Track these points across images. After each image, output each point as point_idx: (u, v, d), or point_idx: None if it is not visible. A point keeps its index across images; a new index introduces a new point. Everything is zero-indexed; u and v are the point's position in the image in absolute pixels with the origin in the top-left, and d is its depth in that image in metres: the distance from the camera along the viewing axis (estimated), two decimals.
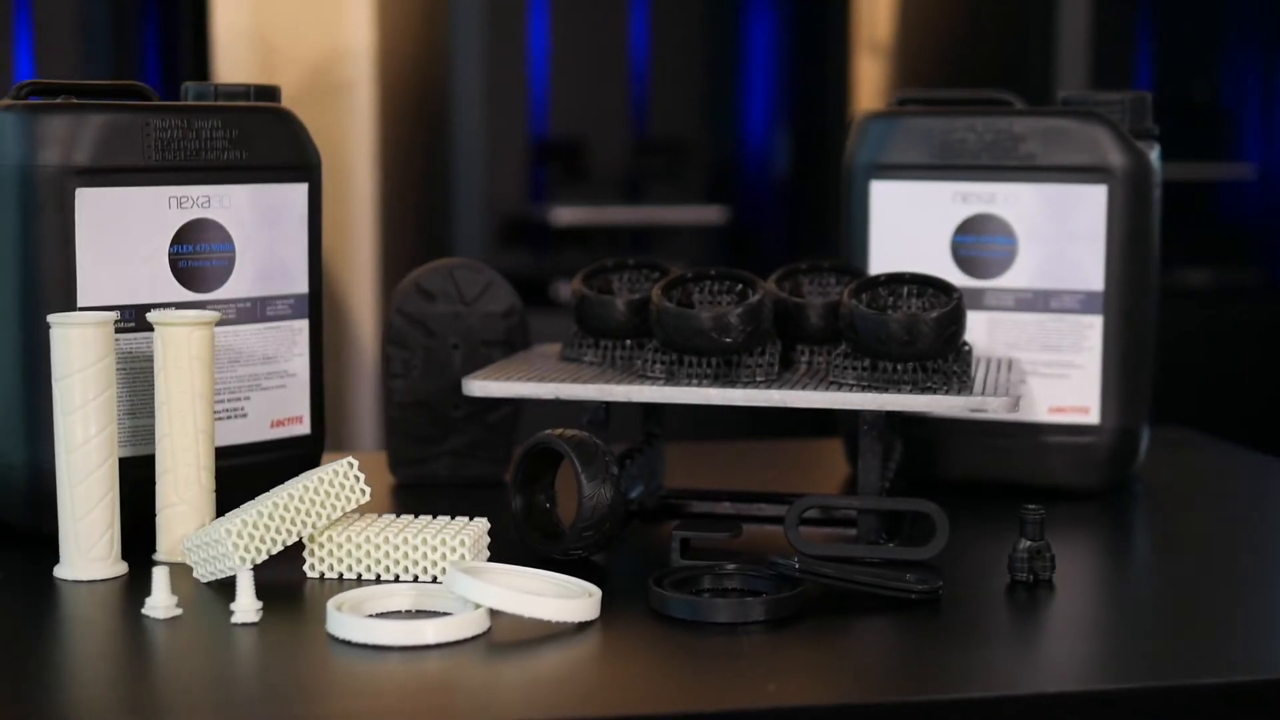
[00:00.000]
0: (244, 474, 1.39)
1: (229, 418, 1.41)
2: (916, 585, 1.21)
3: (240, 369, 1.41)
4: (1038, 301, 1.53)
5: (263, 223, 1.41)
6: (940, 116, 1.54)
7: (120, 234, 1.34)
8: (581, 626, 1.16)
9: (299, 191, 1.44)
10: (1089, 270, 1.52)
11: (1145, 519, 1.53)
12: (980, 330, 1.54)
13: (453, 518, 1.30)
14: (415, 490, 1.56)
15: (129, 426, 1.35)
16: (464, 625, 1.14)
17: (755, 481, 1.56)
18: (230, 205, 1.39)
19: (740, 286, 1.42)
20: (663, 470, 1.56)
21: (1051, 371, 1.53)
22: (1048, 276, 1.53)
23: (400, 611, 1.18)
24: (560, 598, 1.18)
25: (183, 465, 1.30)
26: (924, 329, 1.34)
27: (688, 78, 3.37)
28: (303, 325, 1.45)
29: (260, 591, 1.21)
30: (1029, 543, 1.27)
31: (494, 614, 1.16)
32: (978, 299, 1.54)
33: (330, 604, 1.14)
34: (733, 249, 3.35)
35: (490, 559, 1.31)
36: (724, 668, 1.11)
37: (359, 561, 1.26)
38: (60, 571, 1.26)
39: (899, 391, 1.34)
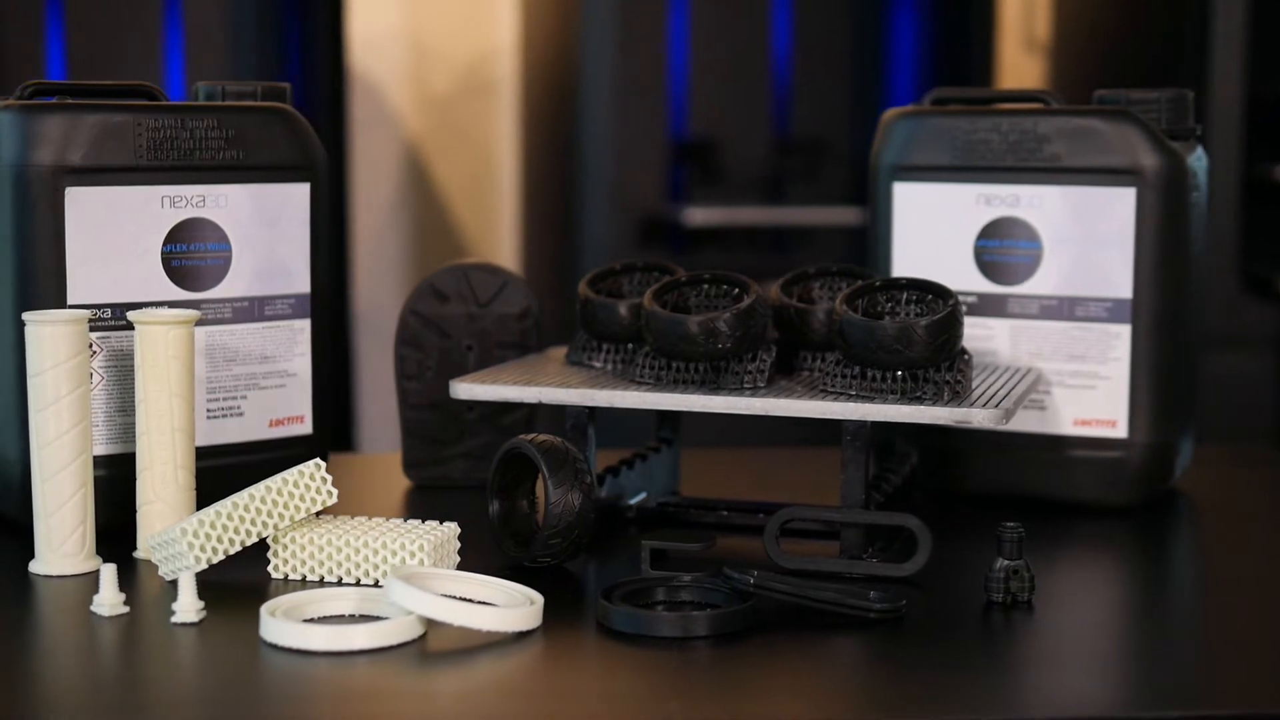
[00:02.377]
0: (241, 472, 1.39)
1: (224, 416, 1.41)
2: (875, 604, 1.17)
3: (236, 368, 1.42)
4: (1063, 309, 1.46)
5: (261, 222, 1.42)
6: (964, 116, 1.49)
7: (111, 233, 1.35)
8: (521, 635, 1.14)
9: (300, 191, 1.44)
10: (1116, 277, 1.45)
11: (1173, 538, 1.46)
12: (1004, 338, 1.48)
13: (423, 521, 1.29)
14: (429, 492, 1.55)
15: (120, 423, 1.37)
16: (396, 631, 1.12)
17: (774, 490, 1.52)
18: (226, 204, 1.40)
19: (737, 291, 1.38)
20: (678, 477, 1.53)
21: (1077, 382, 1.47)
22: (1073, 283, 1.46)
23: (344, 615, 1.18)
24: (502, 605, 1.17)
25: (159, 463, 1.31)
26: (915, 336, 1.29)
27: (831, 76, 3.32)
28: (304, 325, 1.45)
29: (221, 591, 1.22)
30: (1005, 562, 1.21)
31: (431, 620, 1.14)
32: (1001, 306, 1.48)
33: (263, 609, 1.13)
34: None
35: (461, 564, 1.29)
36: (645, 683, 1.08)
37: (321, 564, 1.26)
38: (34, 566, 1.28)
39: (884, 401, 1.29)
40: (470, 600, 1.19)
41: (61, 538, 1.27)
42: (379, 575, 1.24)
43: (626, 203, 3.11)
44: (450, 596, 1.17)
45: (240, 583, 1.25)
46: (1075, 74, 3.45)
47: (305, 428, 1.46)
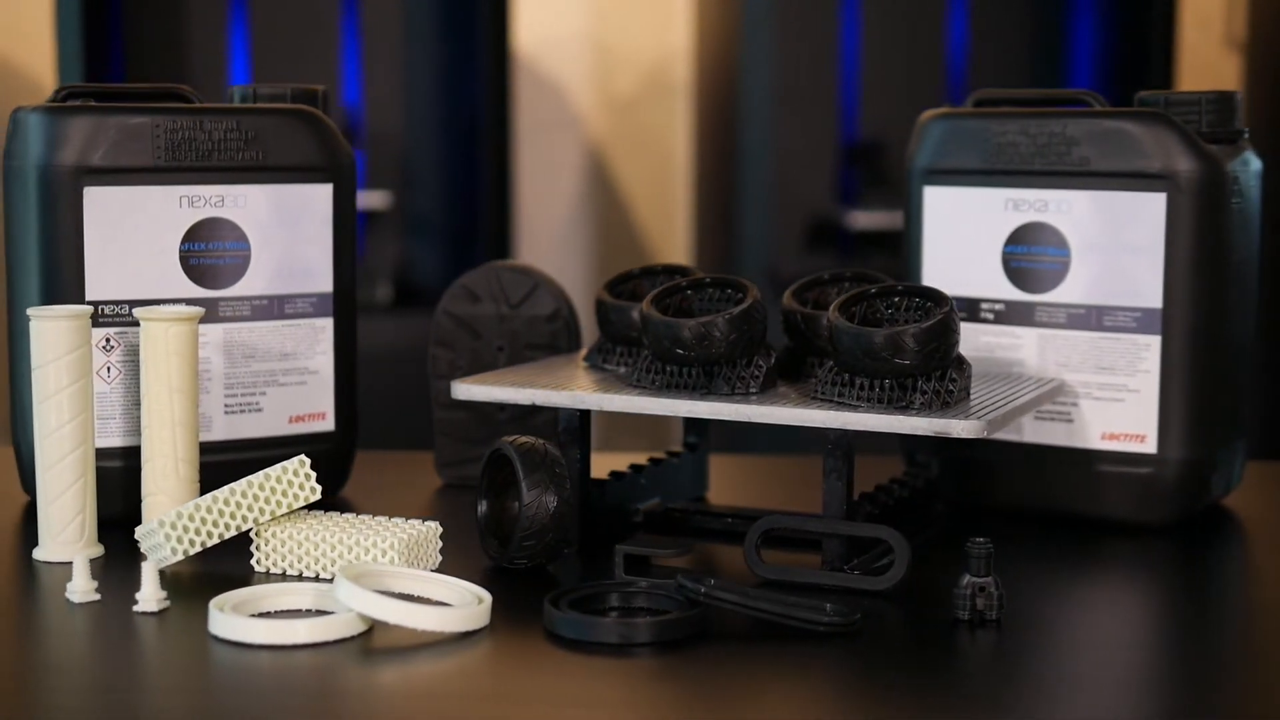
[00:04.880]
0: (259, 467, 1.41)
1: (243, 412, 1.45)
2: (823, 618, 1.14)
3: (255, 364, 1.45)
4: (1091, 318, 1.41)
5: (281, 222, 1.44)
6: (994, 118, 1.44)
7: (129, 231, 1.39)
8: (467, 635, 1.14)
9: (323, 192, 1.46)
10: (1146, 286, 1.39)
11: (1202, 560, 1.39)
12: (1031, 348, 1.43)
13: (407, 519, 1.30)
14: (459, 491, 1.56)
15: (136, 416, 1.41)
16: (338, 627, 1.13)
17: (803, 499, 1.49)
18: (245, 204, 1.43)
19: (740, 295, 1.36)
20: (705, 483, 1.52)
21: (1105, 394, 1.41)
22: (1102, 291, 1.41)
23: (300, 610, 1.19)
24: (450, 604, 1.17)
25: (159, 456, 1.34)
26: (904, 344, 1.25)
27: (1007, 77, 3.25)
28: (326, 323, 1.47)
29: (202, 583, 1.25)
30: (972, 579, 1.18)
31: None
32: (1028, 314, 1.43)
33: (212, 604, 1.15)
34: None
35: (447, 563, 1.30)
36: (585, 688, 1.07)
37: (300, 559, 1.28)
38: (36, 553, 1.32)
39: (871, 410, 1.26)
40: (426, 599, 1.19)
41: (61, 525, 1.31)
42: None
43: (792, 205, 3.09)
44: (401, 595, 1.19)
45: (224, 575, 1.27)
46: (1273, 72, 3.32)
47: (327, 424, 1.49)
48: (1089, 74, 3.24)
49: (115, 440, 1.40)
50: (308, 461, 1.29)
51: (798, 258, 3.08)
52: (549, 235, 3.71)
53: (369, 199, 3.22)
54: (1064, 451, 1.43)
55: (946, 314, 1.27)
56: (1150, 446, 1.40)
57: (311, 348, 1.47)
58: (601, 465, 1.45)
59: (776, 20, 3.03)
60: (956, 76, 3.22)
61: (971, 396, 1.31)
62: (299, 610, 1.19)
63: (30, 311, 1.31)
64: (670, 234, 3.73)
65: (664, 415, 1.32)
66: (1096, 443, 1.41)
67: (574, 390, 1.34)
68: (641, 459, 1.47)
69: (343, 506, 1.49)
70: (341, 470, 1.51)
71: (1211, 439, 1.41)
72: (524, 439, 1.29)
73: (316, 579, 1.27)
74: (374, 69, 3.25)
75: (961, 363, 1.29)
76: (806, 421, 1.26)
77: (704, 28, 3.49)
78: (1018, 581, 1.29)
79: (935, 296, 1.30)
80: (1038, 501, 1.44)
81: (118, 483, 1.39)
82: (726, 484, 1.56)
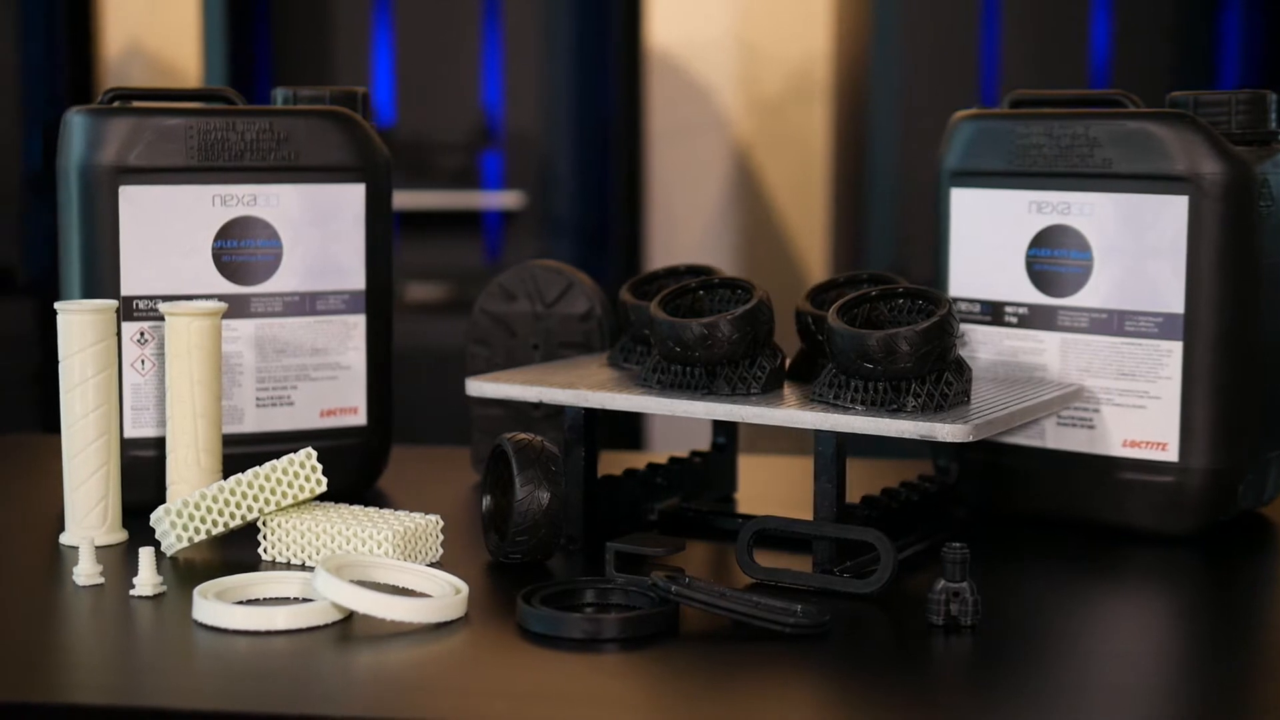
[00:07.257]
0: None
1: (274, 405, 1.48)
2: (789, 619, 1.14)
3: (286, 359, 1.48)
4: (1112, 323, 1.38)
5: (313, 220, 1.48)
6: (1019, 120, 1.42)
7: (163, 229, 1.44)
8: (442, 626, 1.16)
9: (355, 191, 1.49)
10: (1168, 290, 1.36)
11: (1216, 570, 1.35)
12: (1054, 352, 1.41)
13: (409, 512, 1.33)
14: None
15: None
16: (316, 614, 1.16)
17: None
18: (277, 203, 1.47)
19: (749, 296, 1.36)
20: (734, 483, 1.52)
21: (1126, 401, 1.38)
22: (1124, 296, 1.38)
23: (288, 598, 1.22)
24: (429, 595, 1.19)
25: (181, 447, 1.39)
26: (898, 346, 1.25)
27: (1152, 80, 3.18)
28: (358, 320, 1.50)
29: (213, 570, 1.29)
30: (946, 584, 1.16)
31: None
32: (1051, 318, 1.41)
33: (196, 590, 1.19)
34: None
35: (445, 556, 1.33)
36: (552, 683, 1.09)
37: (303, 549, 1.31)
38: (63, 538, 1.37)
39: (864, 412, 1.25)
40: (408, 590, 1.22)
41: (85, 510, 1.36)
42: None
43: (922, 207, 3.07)
44: (384, 586, 1.21)
45: (235, 563, 1.31)
46: None
47: (359, 419, 1.52)
48: (1235, 74, 3.16)
49: (149, 430, 1.45)
50: (314, 454, 1.32)
51: (928, 260, 3.05)
52: (692, 235, 3.72)
53: (505, 199, 3.27)
54: (1085, 458, 1.40)
55: (943, 317, 1.26)
56: (1172, 455, 1.37)
57: (343, 343, 1.50)
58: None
59: (909, 21, 3.01)
60: (1098, 78, 3.16)
61: (974, 400, 1.30)
62: (286, 598, 1.22)
63: (57, 305, 1.36)
64: (811, 234, 3.72)
65: (663, 415, 1.33)
66: (1118, 450, 1.39)
67: (579, 389, 1.35)
68: (662, 459, 1.48)
69: (375, 499, 1.52)
70: (374, 463, 1.54)
71: (1239, 448, 1.38)
72: (522, 436, 1.31)
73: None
74: (513, 71, 3.29)
75: (961, 366, 1.28)
76: (796, 423, 1.26)
77: (841, 29, 3.47)
78: (1019, 588, 1.28)
79: (935, 299, 1.29)
80: (1059, 508, 1.42)
81: (150, 471, 1.44)
82: (757, 485, 1.56)
